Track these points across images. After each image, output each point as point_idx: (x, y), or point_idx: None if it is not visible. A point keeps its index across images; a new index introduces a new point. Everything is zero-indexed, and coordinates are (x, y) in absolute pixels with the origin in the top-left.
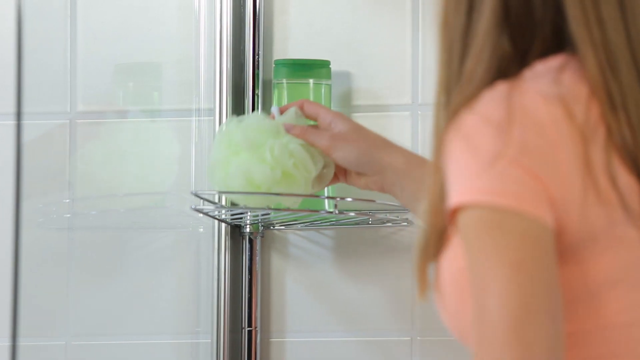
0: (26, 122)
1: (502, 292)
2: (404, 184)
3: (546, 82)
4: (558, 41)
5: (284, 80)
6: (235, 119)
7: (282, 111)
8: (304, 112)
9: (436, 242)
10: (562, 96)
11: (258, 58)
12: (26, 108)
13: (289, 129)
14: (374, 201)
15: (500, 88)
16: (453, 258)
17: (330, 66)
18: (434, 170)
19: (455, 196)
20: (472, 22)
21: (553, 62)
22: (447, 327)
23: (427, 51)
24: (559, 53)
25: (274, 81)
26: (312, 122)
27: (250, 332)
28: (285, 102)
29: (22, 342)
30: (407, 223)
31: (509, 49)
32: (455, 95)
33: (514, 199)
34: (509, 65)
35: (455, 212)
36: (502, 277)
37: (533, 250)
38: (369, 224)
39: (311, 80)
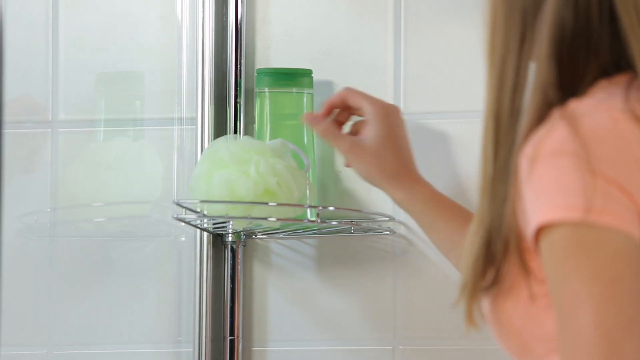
0: (8, 130)
1: (597, 310)
2: (410, 213)
3: (619, 100)
4: (615, 63)
5: (266, 89)
6: (222, 138)
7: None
8: (348, 102)
9: (495, 271)
10: (636, 113)
11: (240, 67)
12: (8, 117)
13: (311, 120)
14: (356, 210)
15: (567, 112)
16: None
17: (312, 75)
18: (489, 199)
19: (541, 215)
20: (524, 53)
21: (620, 81)
22: (509, 353)
23: (409, 60)
24: (619, 73)
25: (256, 90)
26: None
27: (232, 341)
28: (267, 111)
29: (3, 352)
30: (390, 232)
31: (560, 78)
32: (518, 131)
33: (608, 215)
34: (559, 92)
35: (539, 231)
36: (598, 295)
37: (627, 267)
38: (351, 232)
39: (293, 89)
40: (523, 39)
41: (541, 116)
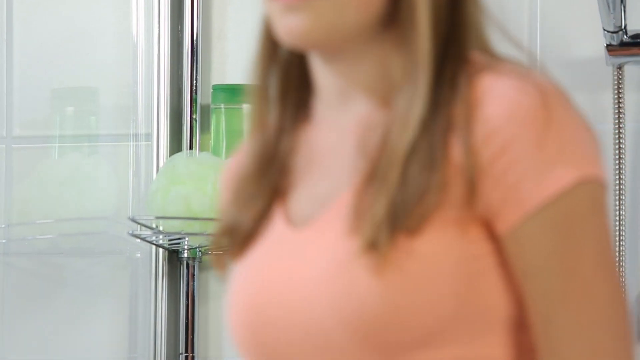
0: None
1: (614, 272)
2: None
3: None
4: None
5: (222, 105)
6: (180, 154)
7: None
8: None
9: (414, 210)
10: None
11: (196, 83)
12: None
13: None
14: None
15: (526, 80)
16: (458, 241)
17: None
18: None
19: (580, 168)
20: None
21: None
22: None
23: None
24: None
25: (212, 106)
26: None
27: (187, 357)
28: (223, 127)
29: None
30: None
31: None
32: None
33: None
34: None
35: (570, 185)
36: (611, 260)
37: None
38: None
39: (249, 106)
40: None
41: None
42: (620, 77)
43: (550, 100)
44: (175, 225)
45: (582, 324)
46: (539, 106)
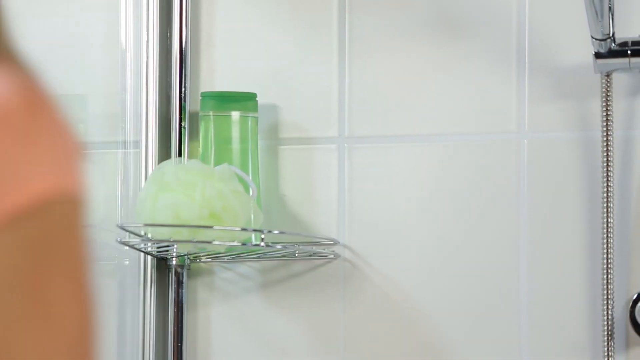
0: None
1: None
2: None
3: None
4: None
5: (211, 113)
6: (169, 161)
7: None
8: None
9: None
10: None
11: (185, 90)
12: None
13: None
14: (300, 234)
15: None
16: None
17: (257, 99)
18: None
19: (57, 183)
20: None
21: None
22: None
23: (354, 84)
24: None
25: (201, 113)
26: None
27: None
28: (211, 134)
29: None
30: (334, 256)
31: None
32: None
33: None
34: None
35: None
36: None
37: None
38: (295, 256)
39: (238, 113)
40: None
41: None
42: (608, 84)
43: (37, 104)
44: (163, 233)
45: (42, 350)
46: (23, 109)
